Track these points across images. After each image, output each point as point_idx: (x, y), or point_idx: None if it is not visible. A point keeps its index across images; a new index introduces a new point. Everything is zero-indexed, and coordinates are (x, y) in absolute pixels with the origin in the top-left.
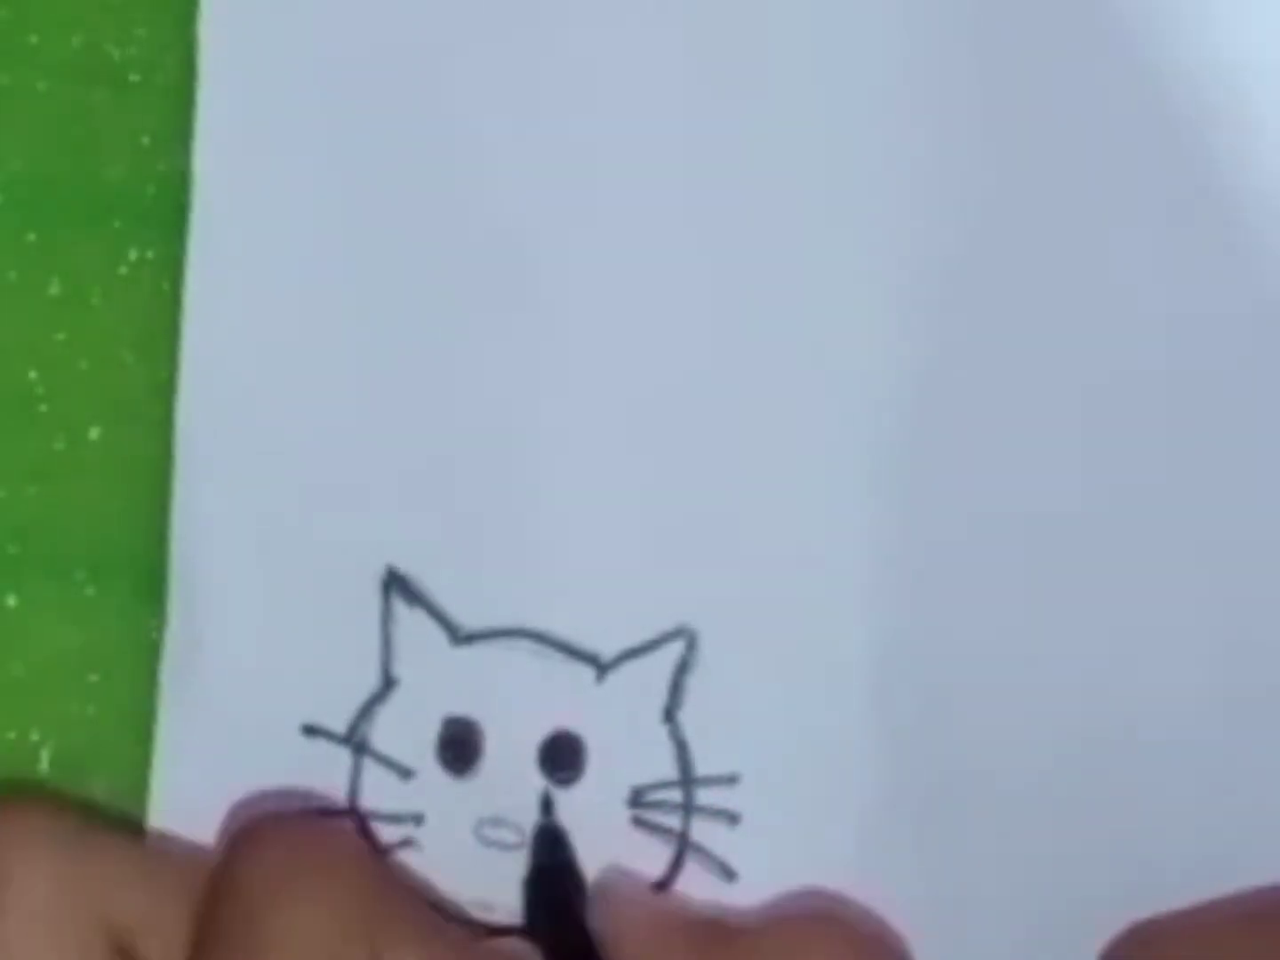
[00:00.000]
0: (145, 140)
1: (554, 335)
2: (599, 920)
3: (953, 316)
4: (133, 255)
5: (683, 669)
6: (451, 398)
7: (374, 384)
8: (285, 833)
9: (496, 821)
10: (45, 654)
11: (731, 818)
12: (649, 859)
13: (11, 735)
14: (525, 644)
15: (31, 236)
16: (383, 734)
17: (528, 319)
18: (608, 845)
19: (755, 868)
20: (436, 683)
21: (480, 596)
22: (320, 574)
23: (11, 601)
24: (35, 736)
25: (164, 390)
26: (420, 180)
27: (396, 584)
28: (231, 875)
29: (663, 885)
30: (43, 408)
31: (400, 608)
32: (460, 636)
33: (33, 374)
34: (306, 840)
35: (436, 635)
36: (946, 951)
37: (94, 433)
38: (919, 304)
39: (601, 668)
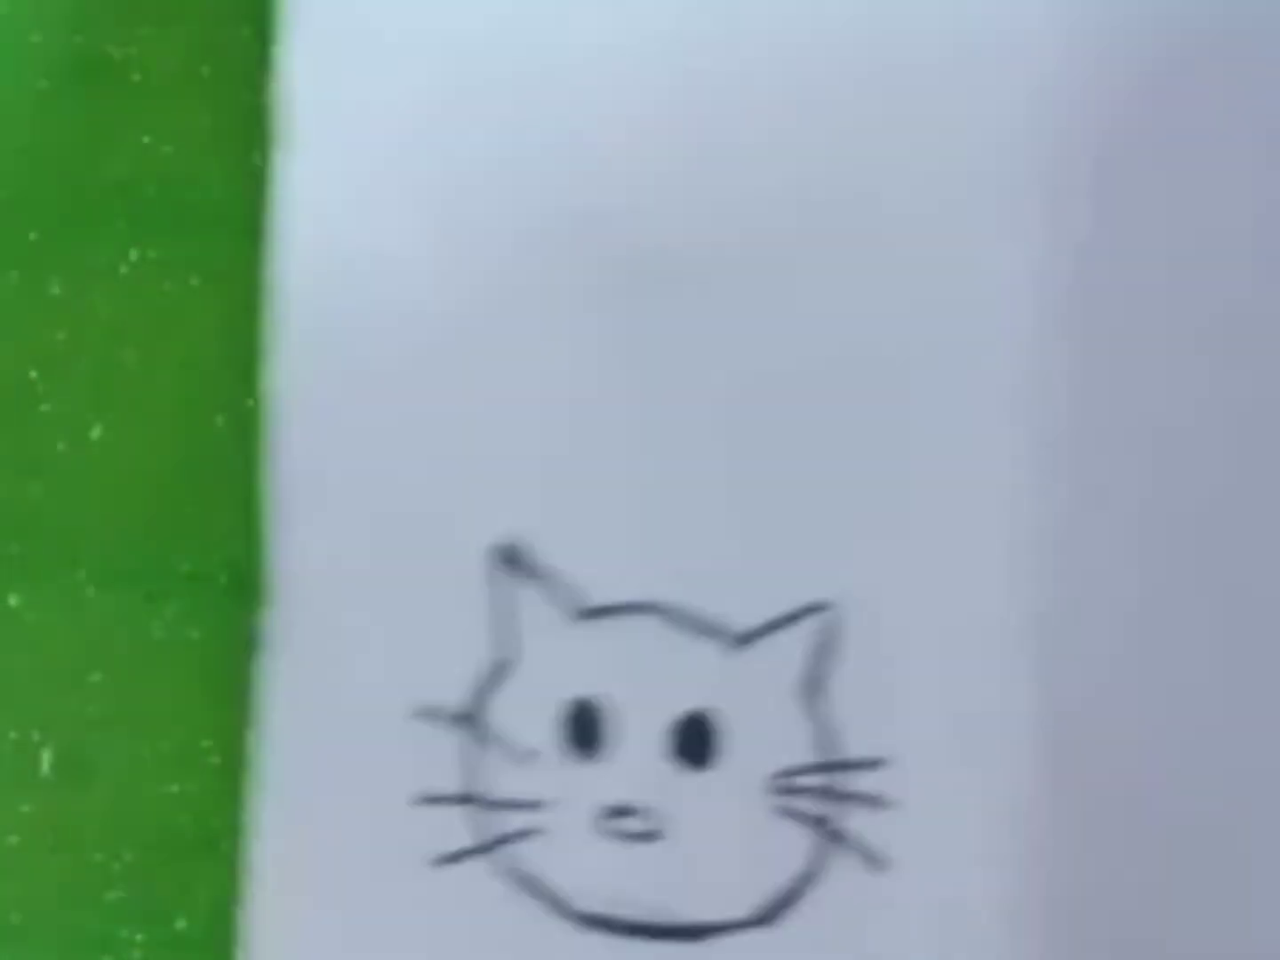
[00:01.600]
0: (145, 140)
1: (672, 308)
2: None
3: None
4: (133, 255)
5: (824, 646)
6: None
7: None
8: None
9: (622, 810)
10: (45, 654)
11: (880, 803)
12: (790, 849)
13: (12, 735)
14: (653, 619)
15: (31, 236)
16: (500, 716)
17: (639, 293)
18: (745, 834)
19: (908, 857)
20: (558, 661)
21: (604, 569)
22: (431, 552)
23: (12, 601)
24: (35, 736)
25: (164, 390)
26: (520, 162)
27: (512, 558)
28: None
29: (808, 876)
30: (43, 408)
31: (518, 584)
32: (583, 612)
33: (33, 374)
34: None
35: (557, 612)
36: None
37: (94, 433)
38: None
39: (736, 643)
